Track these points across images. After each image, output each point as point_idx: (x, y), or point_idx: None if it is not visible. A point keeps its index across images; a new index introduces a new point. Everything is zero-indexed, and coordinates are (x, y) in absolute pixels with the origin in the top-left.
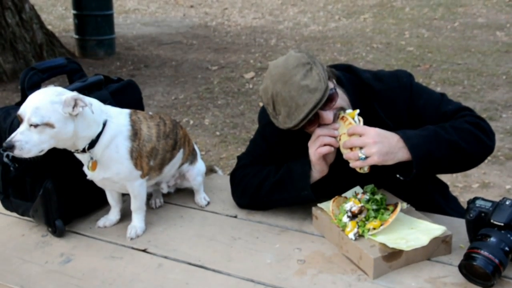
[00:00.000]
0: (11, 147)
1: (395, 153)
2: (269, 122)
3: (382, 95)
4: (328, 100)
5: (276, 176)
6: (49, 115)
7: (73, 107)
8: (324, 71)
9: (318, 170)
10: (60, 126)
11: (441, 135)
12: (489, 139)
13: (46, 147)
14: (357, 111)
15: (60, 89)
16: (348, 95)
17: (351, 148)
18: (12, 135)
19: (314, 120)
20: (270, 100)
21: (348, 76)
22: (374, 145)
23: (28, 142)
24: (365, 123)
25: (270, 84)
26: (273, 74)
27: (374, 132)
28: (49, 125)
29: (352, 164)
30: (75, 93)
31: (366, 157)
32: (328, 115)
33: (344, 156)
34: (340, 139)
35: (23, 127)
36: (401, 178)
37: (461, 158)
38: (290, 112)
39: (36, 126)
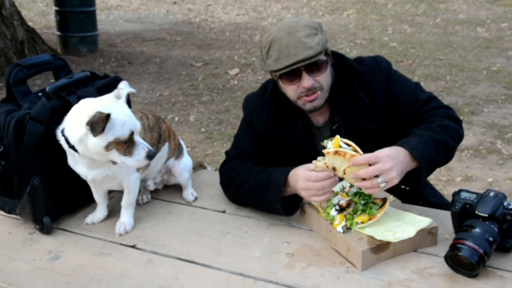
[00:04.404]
0: (154, 155)
1: (406, 168)
2: (256, 107)
3: (362, 76)
4: (316, 66)
5: (256, 180)
6: None
7: None
8: (326, 43)
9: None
10: None
11: (435, 139)
12: (462, 128)
13: None
14: (338, 137)
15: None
16: (332, 80)
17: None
18: (148, 146)
19: (294, 78)
20: (268, 44)
21: (333, 61)
22: (392, 170)
23: None
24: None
25: (275, 31)
26: (282, 24)
27: (387, 157)
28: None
29: (369, 191)
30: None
31: (386, 183)
32: (308, 79)
33: (357, 185)
34: (345, 173)
35: (141, 138)
36: (407, 188)
37: (450, 154)
38: (280, 58)
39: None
